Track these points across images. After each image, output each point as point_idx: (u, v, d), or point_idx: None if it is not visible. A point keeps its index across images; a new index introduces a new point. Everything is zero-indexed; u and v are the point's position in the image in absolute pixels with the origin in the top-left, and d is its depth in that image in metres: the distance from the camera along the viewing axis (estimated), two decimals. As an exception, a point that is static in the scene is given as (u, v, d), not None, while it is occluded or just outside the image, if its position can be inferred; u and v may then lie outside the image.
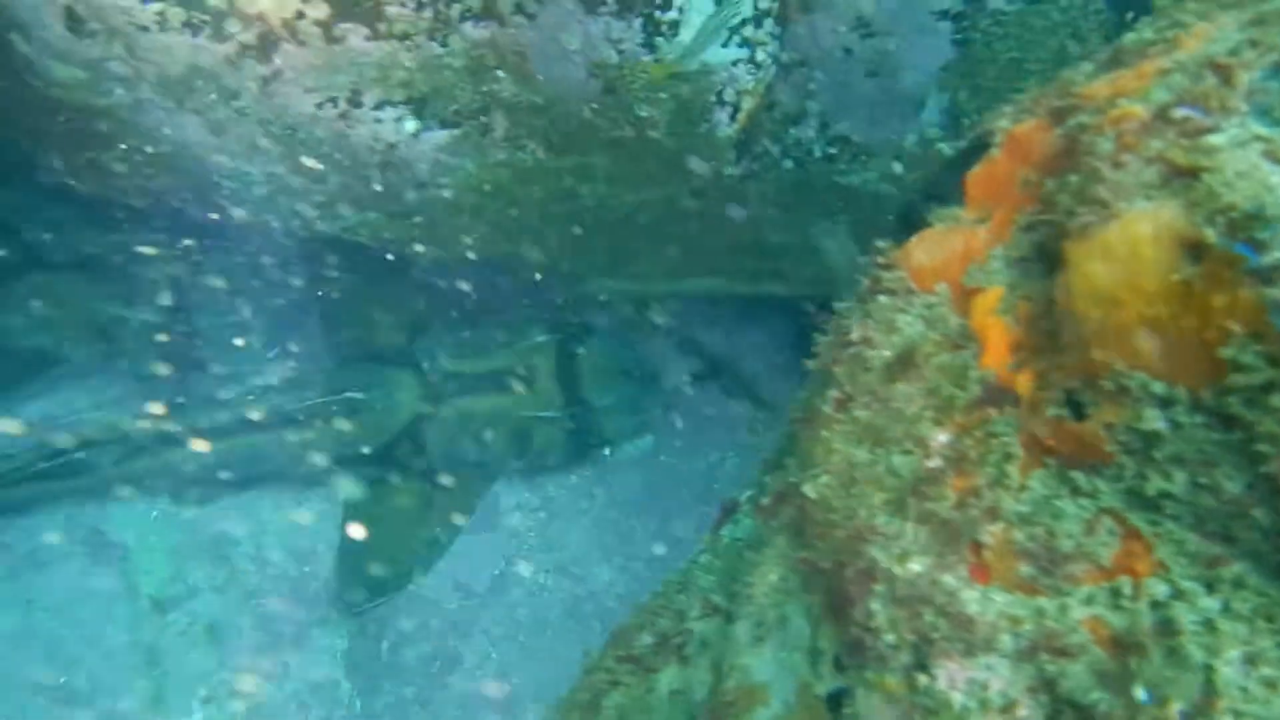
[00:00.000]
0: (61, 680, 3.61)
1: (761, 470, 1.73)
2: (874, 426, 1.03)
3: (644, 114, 2.82)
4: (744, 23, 2.67)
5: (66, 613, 3.74)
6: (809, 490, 1.03)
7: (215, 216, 3.31)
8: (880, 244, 1.19)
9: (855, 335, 1.09)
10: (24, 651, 3.61)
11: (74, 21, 2.56)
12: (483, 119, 2.92)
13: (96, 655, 3.70)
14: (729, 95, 2.81)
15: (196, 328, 3.92)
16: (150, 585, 3.93)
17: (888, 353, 1.05)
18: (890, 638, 0.89)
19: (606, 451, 4.38)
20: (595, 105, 2.83)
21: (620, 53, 2.68)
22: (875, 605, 0.90)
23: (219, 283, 3.79)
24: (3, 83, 2.66)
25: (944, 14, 2.50)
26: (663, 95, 2.78)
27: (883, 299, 1.11)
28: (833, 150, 2.99)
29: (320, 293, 4.00)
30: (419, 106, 2.86)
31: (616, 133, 2.91)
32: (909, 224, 1.17)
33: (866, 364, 1.07)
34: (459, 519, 4.17)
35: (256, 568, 4.06)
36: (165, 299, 3.67)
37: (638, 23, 2.62)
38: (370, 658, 3.94)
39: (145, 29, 2.57)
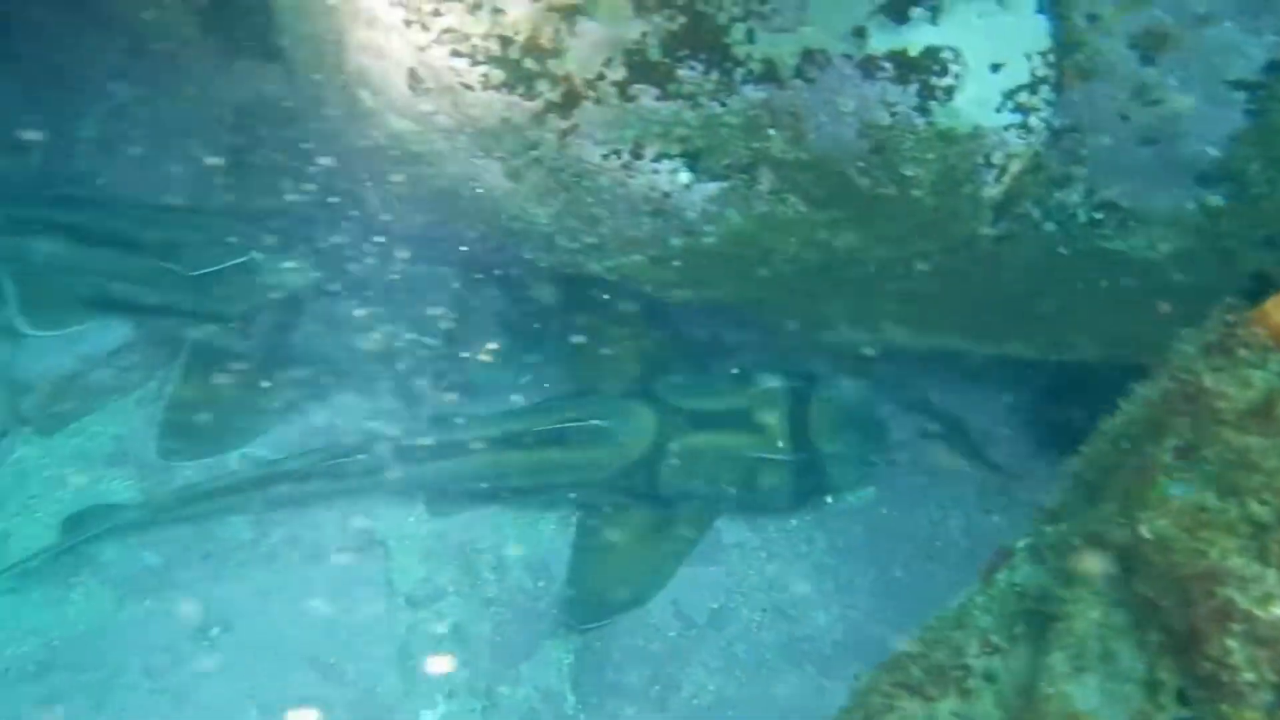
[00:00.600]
0: (331, 661, 4.03)
1: (1040, 520, 1.79)
2: (1226, 475, 1.09)
3: (909, 173, 2.94)
4: (1019, 89, 2.75)
5: (336, 600, 4.17)
6: (1145, 532, 1.11)
7: (496, 253, 3.68)
8: (1231, 301, 1.25)
9: (1206, 386, 1.16)
10: (301, 631, 4.06)
11: (415, 81, 2.98)
12: (751, 173, 3.12)
13: (360, 643, 4.10)
14: (996, 158, 2.89)
15: (463, 351, 4.32)
16: (405, 584, 4.31)
17: (1242, 405, 1.12)
18: (1250, 676, 0.95)
19: (829, 499, 4.45)
20: (861, 164, 2.97)
21: (893, 115, 2.81)
22: (1232, 643, 0.97)
23: (485, 310, 4.19)
24: (348, 132, 3.13)
25: (1238, 83, 2.48)
26: (930, 156, 2.89)
27: (1239, 353, 1.17)
28: (1099, 215, 2.99)
29: (570, 325, 4.33)
30: (694, 160, 3.10)
31: (879, 190, 3.04)
32: (1262, 284, 1.22)
33: (1218, 415, 1.13)
34: (683, 550, 4.34)
35: (497, 577, 4.37)
36: (443, 324, 4.09)
37: (914, 88, 2.75)
38: (594, 674, 4.15)
39: (470, 88, 2.95)
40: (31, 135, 4.20)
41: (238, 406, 4.28)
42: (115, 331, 4.28)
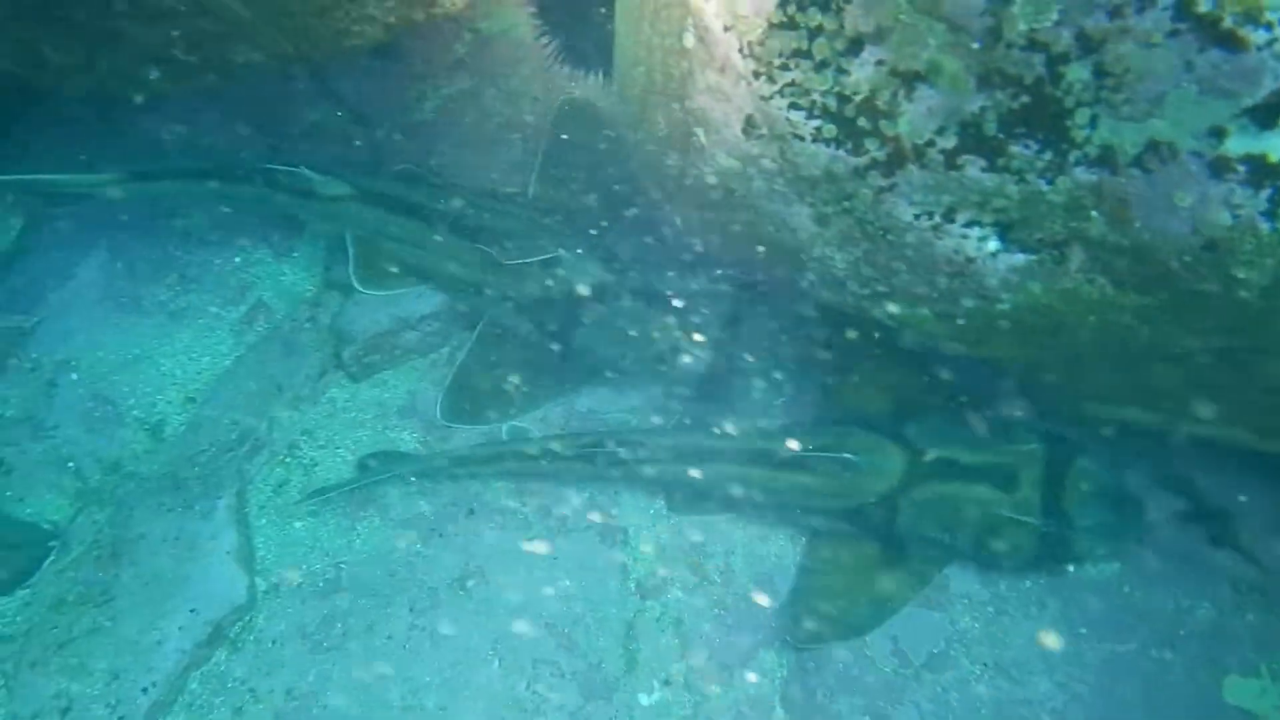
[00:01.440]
0: (565, 630, 4.38)
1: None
2: None
3: (1241, 275, 2.85)
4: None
5: (576, 575, 4.51)
6: None
7: (783, 285, 3.84)
8: None
9: None
10: (543, 597, 4.42)
11: (750, 126, 3.16)
12: (1062, 250, 3.11)
13: (591, 618, 4.42)
14: (1342, 272, 2.75)
15: (731, 366, 4.52)
16: (638, 571, 4.60)
17: None
18: None
19: (1070, 567, 4.37)
20: (1188, 258, 2.90)
21: (1236, 217, 2.73)
22: None
23: (759, 333, 4.38)
24: (669, 158, 3.35)
25: None
26: (1269, 261, 2.79)
27: None
28: None
29: (837, 359, 4.45)
30: (1006, 230, 3.12)
31: (1201, 286, 2.96)
32: None
33: None
34: (909, 591, 4.39)
35: (723, 581, 4.58)
36: (717, 339, 4.30)
37: (1266, 193, 2.67)
38: (805, 692, 4.29)
39: (800, 138, 3.10)
40: (377, 114, 4.71)
41: (515, 383, 4.67)
42: (428, 300, 4.76)
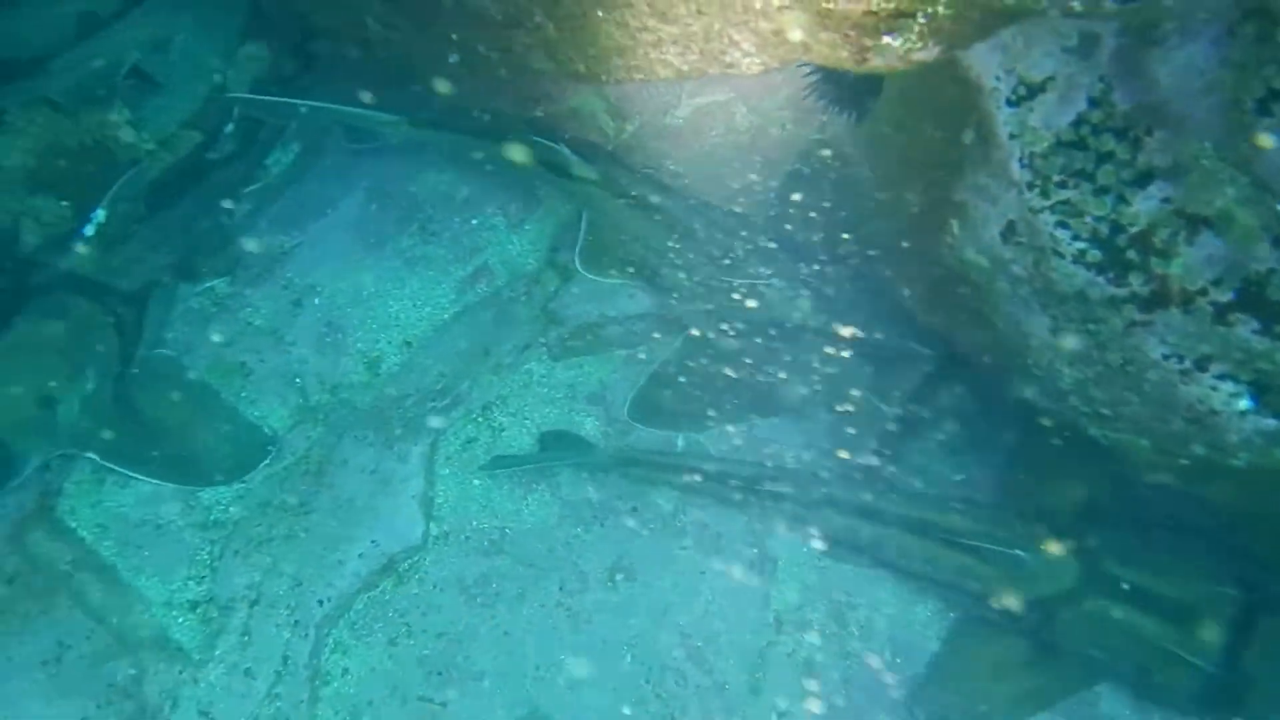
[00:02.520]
0: (698, 644, 4.51)
1: None
2: None
3: None
4: None
5: (719, 593, 4.62)
6: None
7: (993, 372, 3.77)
8: None
9: None
10: (683, 608, 4.56)
11: (1010, 231, 3.10)
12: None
13: (725, 639, 4.53)
14: None
15: (914, 428, 4.48)
16: (779, 604, 4.66)
17: None
18: None
19: (1238, 720, 4.14)
20: None
21: None
22: None
23: (955, 408, 4.32)
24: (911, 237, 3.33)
25: None
26: None
27: None
28: None
29: (1027, 453, 4.33)
30: (1262, 393, 2.96)
31: None
32: None
33: None
34: (1052, 698, 4.27)
35: (861, 636, 4.59)
36: (915, 405, 4.27)
37: None
38: (915, 771, 4.28)
39: (1060, 255, 3.02)
40: (632, 110, 4.84)
41: (704, 398, 4.78)
42: (641, 299, 4.92)
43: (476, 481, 4.80)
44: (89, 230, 4.13)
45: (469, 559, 4.62)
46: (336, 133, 5.09)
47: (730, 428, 4.90)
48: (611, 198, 4.60)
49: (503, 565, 4.62)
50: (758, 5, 2.99)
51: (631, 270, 4.76)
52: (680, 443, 4.84)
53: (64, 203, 4.47)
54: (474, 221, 5.07)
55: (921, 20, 2.65)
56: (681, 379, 4.81)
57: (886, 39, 2.74)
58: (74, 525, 4.18)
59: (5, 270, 4.07)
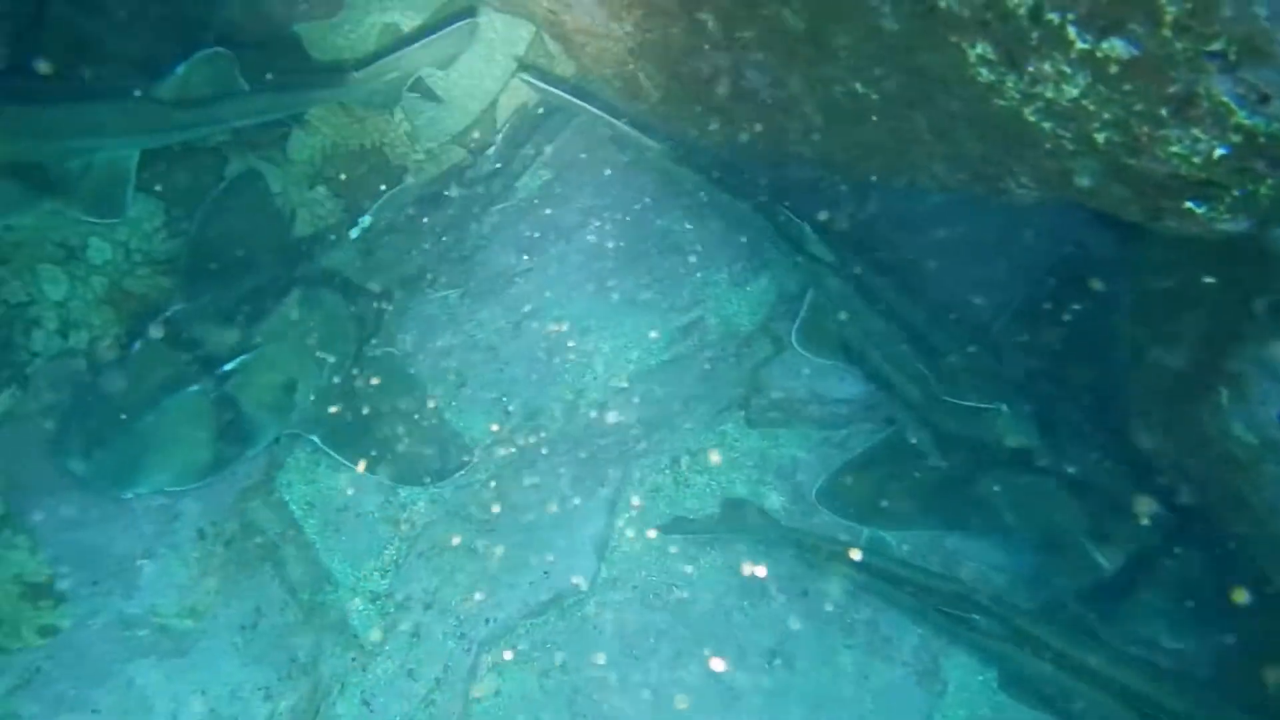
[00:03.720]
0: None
1: None
2: None
3: None
4: None
5: (881, 703, 4.48)
6: None
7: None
8: None
9: None
10: (842, 713, 4.45)
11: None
12: None
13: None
14: None
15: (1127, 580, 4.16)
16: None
17: None
18: None
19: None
20: None
21: None
22: None
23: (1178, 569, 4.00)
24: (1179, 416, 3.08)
25: None
26: None
27: None
28: None
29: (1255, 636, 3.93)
30: None
31: None
32: None
33: None
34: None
35: None
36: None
37: None
38: None
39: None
40: (874, 191, 4.72)
41: (898, 497, 4.61)
42: (850, 385, 4.81)
43: (653, 533, 4.82)
44: (354, 233, 4.44)
45: (632, 609, 4.66)
46: (585, 164, 5.24)
47: (922, 533, 4.72)
48: (844, 283, 4.50)
49: (663, 622, 4.63)
50: (1048, 145, 2.82)
51: (848, 357, 4.64)
52: (865, 536, 4.69)
53: (338, 200, 4.83)
54: (699, 275, 5.09)
55: (1236, 194, 2.42)
56: (878, 474, 4.66)
57: (1190, 205, 2.53)
58: (287, 499, 4.50)
59: (281, 257, 4.43)
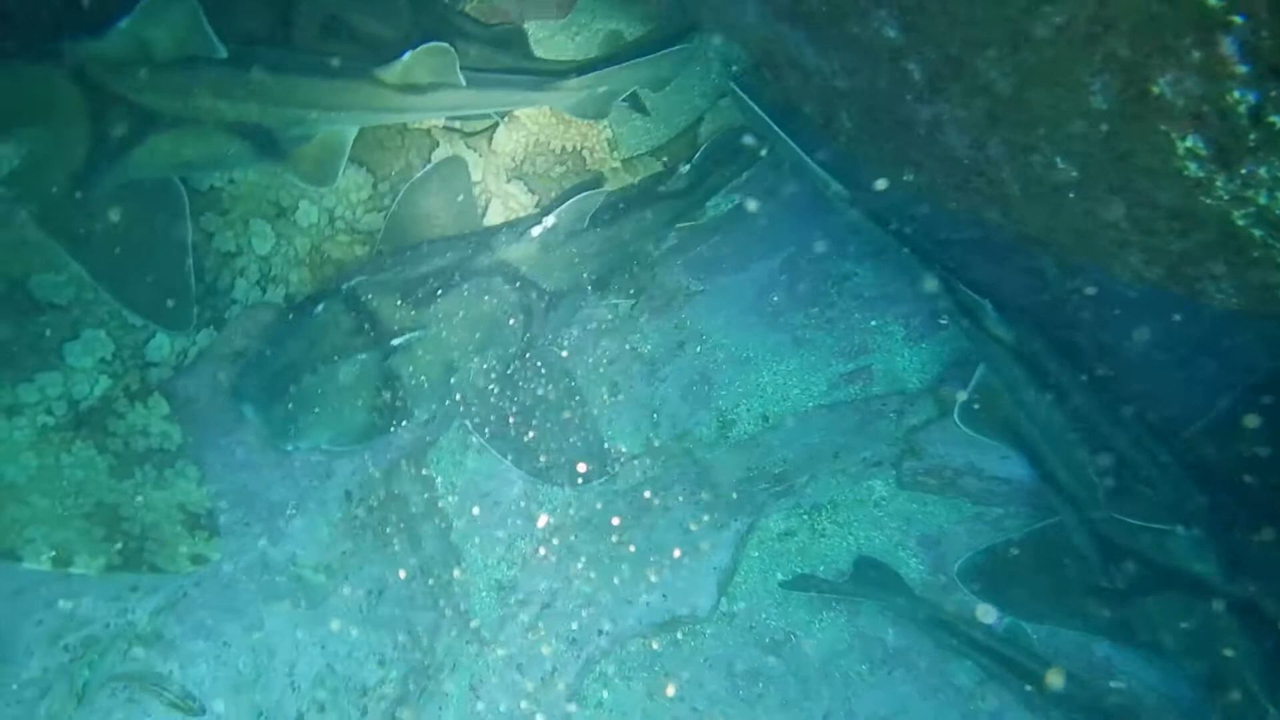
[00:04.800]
0: None
1: None
2: None
3: None
4: None
5: None
6: None
7: None
8: None
9: None
10: None
11: None
12: None
13: None
14: None
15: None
16: None
17: None
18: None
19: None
20: None
21: None
22: None
23: None
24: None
25: None
26: None
27: None
28: None
29: None
30: None
31: None
32: None
33: None
34: None
35: None
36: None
37: None
38: None
39: None
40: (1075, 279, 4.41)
41: (1045, 590, 4.32)
42: (1011, 465, 4.54)
43: (780, 575, 4.70)
44: (538, 230, 4.53)
45: (746, 649, 4.56)
46: (775, 195, 5.15)
47: (1069, 634, 4.40)
48: (1020, 367, 4.22)
49: (775, 669, 4.51)
50: (1255, 254, 2.56)
51: (1014, 442, 4.36)
52: (1004, 623, 4.42)
53: (530, 196, 4.94)
54: (873, 323, 4.93)
55: None
56: (1031, 563, 4.37)
57: None
58: (435, 476, 4.65)
59: (467, 244, 4.57)
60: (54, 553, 3.56)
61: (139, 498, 3.82)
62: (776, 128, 4.72)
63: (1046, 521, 4.37)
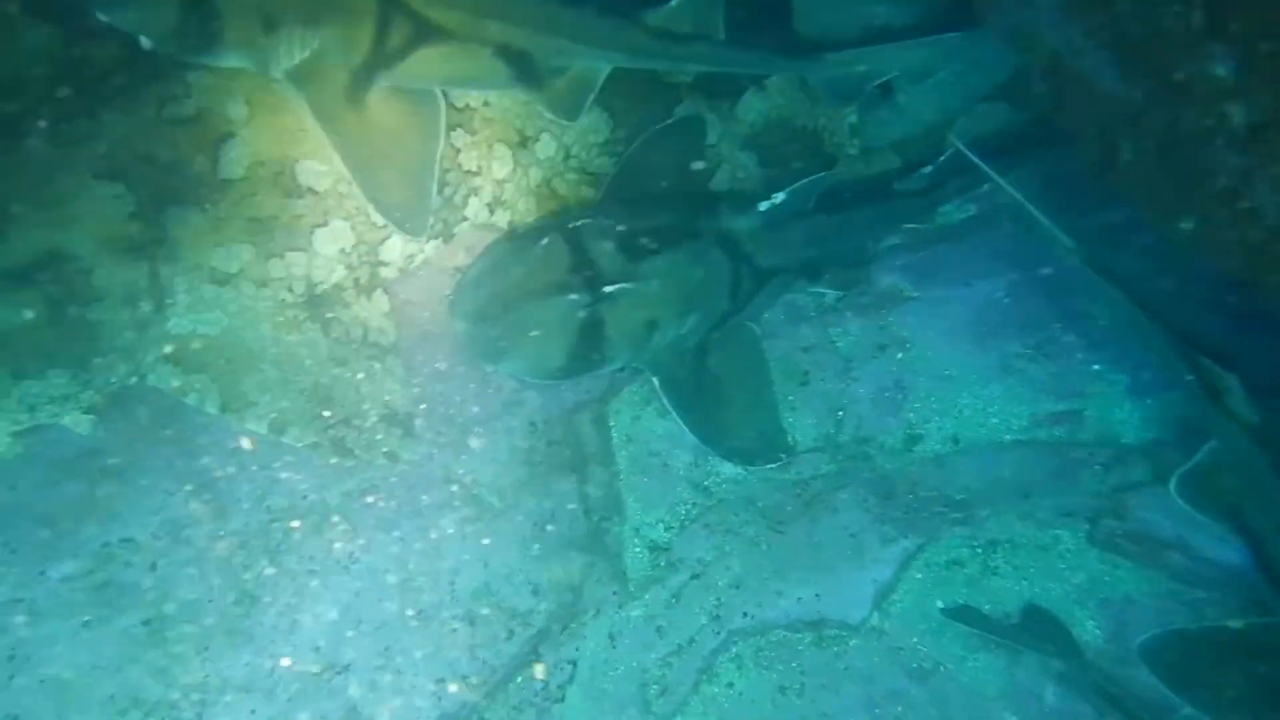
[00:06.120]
0: None
1: None
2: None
3: None
4: None
5: None
6: None
7: None
8: None
9: None
10: None
11: None
12: None
13: None
14: None
15: None
16: None
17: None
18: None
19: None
20: None
21: None
22: None
23: None
24: None
25: None
26: None
27: None
28: None
29: None
30: None
31: None
32: None
33: None
34: None
35: None
36: None
37: None
38: None
39: None
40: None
41: (1242, 692, 3.97)
42: (1227, 550, 4.15)
43: (940, 604, 4.52)
44: (764, 205, 4.47)
45: (890, 669, 4.41)
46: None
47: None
48: (1259, 449, 3.85)
49: (918, 697, 4.34)
50: None
51: (1235, 526, 4.00)
52: (1183, 714, 4.09)
53: (761, 169, 4.88)
54: (1096, 367, 4.62)
55: None
56: (1228, 657, 4.01)
57: None
58: (611, 425, 4.70)
59: (691, 205, 4.56)
60: (273, 419, 3.81)
61: (350, 385, 4.03)
62: (997, 177, 4.44)
63: (1258, 621, 4.00)
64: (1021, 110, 4.85)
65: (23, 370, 3.46)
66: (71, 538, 3.79)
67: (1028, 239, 4.86)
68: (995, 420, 4.68)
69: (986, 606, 4.42)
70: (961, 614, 4.37)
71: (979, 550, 4.54)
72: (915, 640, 4.45)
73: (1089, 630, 4.37)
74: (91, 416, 3.71)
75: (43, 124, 3.65)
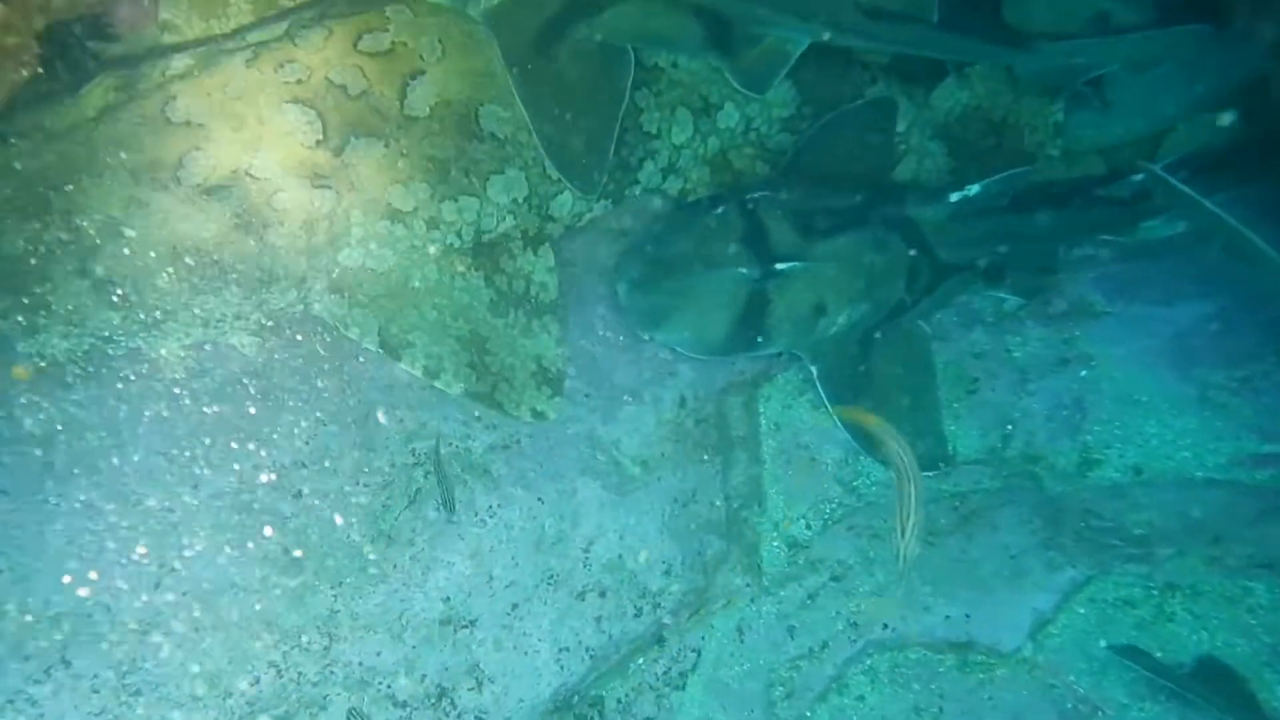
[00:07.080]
0: None
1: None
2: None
3: None
4: None
5: None
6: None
7: None
8: None
9: None
10: None
11: None
12: None
13: None
14: None
15: None
16: None
17: None
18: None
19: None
20: None
21: None
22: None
23: None
24: None
25: None
26: None
27: None
28: None
29: None
30: None
31: None
32: None
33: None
34: None
35: None
36: None
37: None
38: None
39: None
40: None
41: None
42: None
43: (1104, 642, 4.15)
44: (954, 197, 4.18)
45: (1040, 706, 4.10)
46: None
47: None
48: None
49: (1068, 740, 4.01)
50: None
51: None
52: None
53: (950, 160, 4.59)
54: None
55: None
56: None
57: None
58: (761, 411, 4.48)
59: (872, 191, 4.31)
60: (428, 362, 3.77)
61: (506, 338, 3.95)
62: (1213, 207, 4.02)
63: None
64: (1253, 124, 4.40)
65: (201, 284, 3.51)
66: (222, 456, 3.84)
67: (1244, 266, 4.41)
68: (1186, 454, 4.26)
69: (1158, 654, 4.02)
70: (1131, 656, 3.99)
71: (1154, 592, 4.15)
72: (1072, 678, 4.11)
73: (1278, 695, 3.93)
74: (257, 339, 3.74)
75: (243, 48, 3.71)
